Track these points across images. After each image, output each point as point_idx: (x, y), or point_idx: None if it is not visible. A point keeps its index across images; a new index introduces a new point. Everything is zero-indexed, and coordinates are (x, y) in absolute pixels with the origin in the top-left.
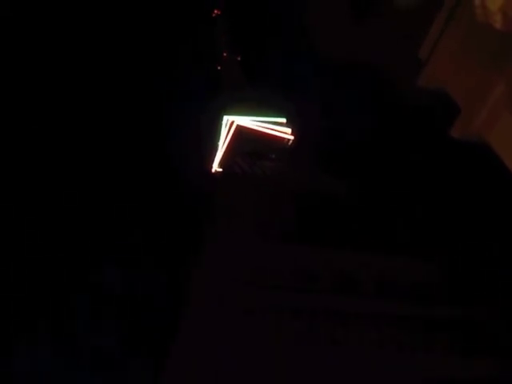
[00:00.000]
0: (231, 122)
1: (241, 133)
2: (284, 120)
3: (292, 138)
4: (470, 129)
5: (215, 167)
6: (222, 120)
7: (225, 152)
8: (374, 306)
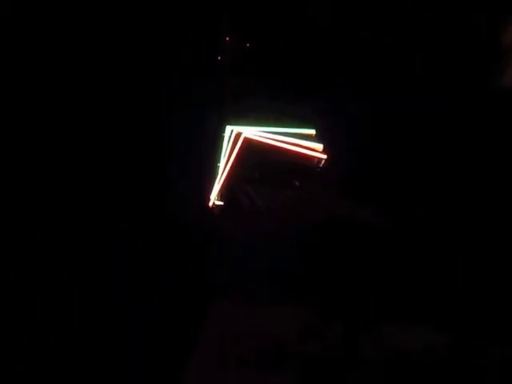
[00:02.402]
0: (237, 134)
1: (250, 149)
2: (313, 132)
3: (324, 157)
4: None
5: (214, 199)
6: (223, 131)
7: (227, 177)
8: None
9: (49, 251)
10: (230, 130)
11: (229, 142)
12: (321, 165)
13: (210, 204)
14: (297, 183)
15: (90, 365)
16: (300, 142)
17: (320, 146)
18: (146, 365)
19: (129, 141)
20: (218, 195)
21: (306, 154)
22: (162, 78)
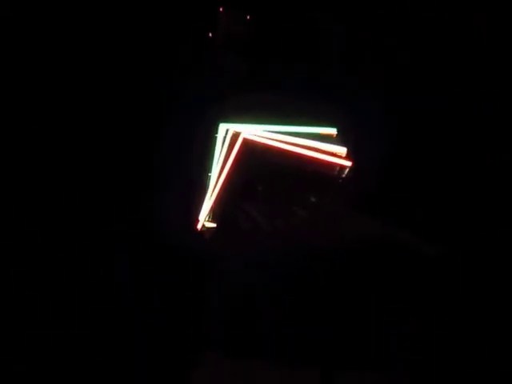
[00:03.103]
0: (234, 135)
1: (251, 154)
2: (334, 131)
3: (349, 164)
4: None
5: (204, 221)
6: (216, 131)
7: (221, 190)
8: None
9: (49, 251)
10: (226, 130)
11: (223, 144)
12: (344, 174)
13: (199, 226)
14: (312, 198)
15: (90, 365)
16: (316, 144)
17: (343, 150)
18: (146, 365)
19: (127, 140)
20: (209, 215)
21: (325, 161)
22: (161, 78)
